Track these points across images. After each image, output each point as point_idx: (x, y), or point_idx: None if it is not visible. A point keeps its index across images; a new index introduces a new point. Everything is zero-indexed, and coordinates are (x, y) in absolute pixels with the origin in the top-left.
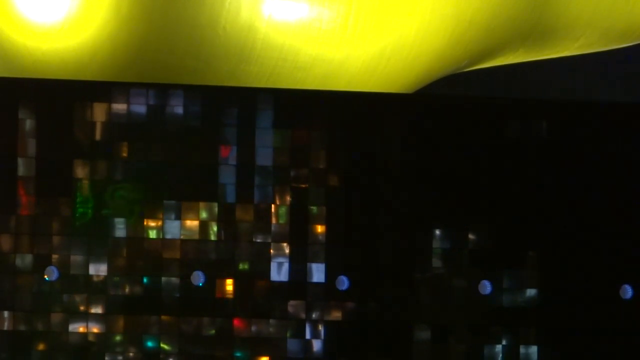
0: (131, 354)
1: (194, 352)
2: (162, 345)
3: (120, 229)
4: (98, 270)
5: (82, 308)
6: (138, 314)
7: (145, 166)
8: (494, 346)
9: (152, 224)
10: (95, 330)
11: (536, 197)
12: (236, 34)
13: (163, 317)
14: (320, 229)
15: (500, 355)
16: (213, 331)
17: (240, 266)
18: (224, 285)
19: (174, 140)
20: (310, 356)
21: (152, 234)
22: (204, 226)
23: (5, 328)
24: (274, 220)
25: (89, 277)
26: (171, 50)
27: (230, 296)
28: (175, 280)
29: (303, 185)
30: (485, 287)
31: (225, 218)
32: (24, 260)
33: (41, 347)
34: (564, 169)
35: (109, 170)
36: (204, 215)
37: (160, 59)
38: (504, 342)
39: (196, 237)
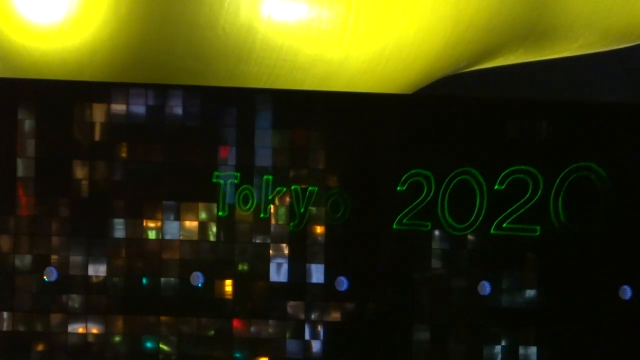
0: (130, 355)
1: (193, 353)
2: (161, 345)
3: (119, 229)
4: (97, 271)
5: (81, 309)
6: (137, 314)
7: (145, 167)
8: (493, 347)
9: (151, 224)
10: (94, 330)
11: (535, 197)
12: (235, 35)
13: (162, 318)
14: (319, 229)
15: (500, 355)
16: (212, 332)
17: (240, 267)
18: (223, 285)
19: (173, 140)
20: (309, 357)
21: (151, 235)
22: (203, 227)
23: (5, 329)
24: (273, 221)
25: (88, 277)
26: (170, 51)
27: (230, 297)
28: (174, 280)
29: (302, 186)
30: (485, 287)
31: (225, 218)
32: (23, 260)
33: (40, 347)
34: (562, 169)
35: (109, 171)
36: (203, 215)
37: (160, 59)
38: (503, 343)
39: (195, 237)
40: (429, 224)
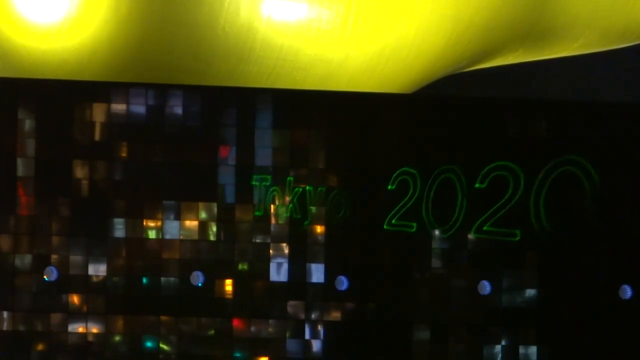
0: (130, 355)
1: (193, 353)
2: (161, 345)
3: (119, 229)
4: (97, 270)
5: (81, 308)
6: (137, 314)
7: (145, 166)
8: (493, 346)
9: (152, 224)
10: (94, 330)
11: (535, 197)
12: (235, 34)
13: (162, 318)
14: (319, 229)
15: (500, 355)
16: (212, 331)
17: (240, 266)
18: (223, 285)
19: (173, 140)
20: (309, 356)
21: (152, 234)
22: (203, 226)
23: (5, 328)
24: (273, 221)
25: (88, 277)
26: (170, 51)
27: (230, 296)
28: (174, 280)
29: (302, 185)
30: (485, 287)
31: (225, 218)
32: (23, 260)
33: (40, 347)
34: (562, 169)
35: (109, 171)
36: (203, 215)
37: (160, 59)
38: (503, 342)
39: (195, 237)
40: (415, 224)
